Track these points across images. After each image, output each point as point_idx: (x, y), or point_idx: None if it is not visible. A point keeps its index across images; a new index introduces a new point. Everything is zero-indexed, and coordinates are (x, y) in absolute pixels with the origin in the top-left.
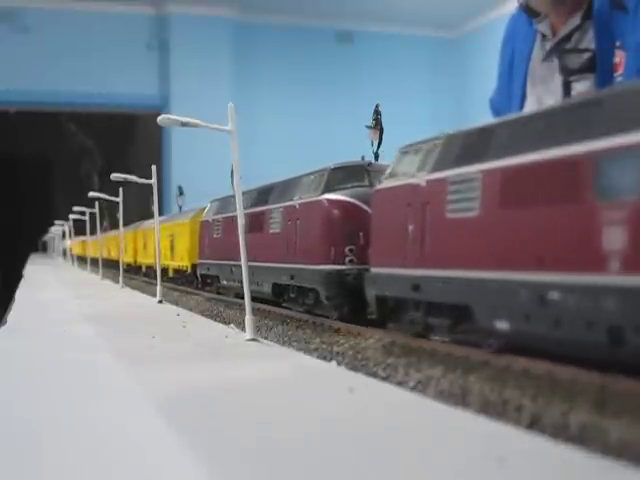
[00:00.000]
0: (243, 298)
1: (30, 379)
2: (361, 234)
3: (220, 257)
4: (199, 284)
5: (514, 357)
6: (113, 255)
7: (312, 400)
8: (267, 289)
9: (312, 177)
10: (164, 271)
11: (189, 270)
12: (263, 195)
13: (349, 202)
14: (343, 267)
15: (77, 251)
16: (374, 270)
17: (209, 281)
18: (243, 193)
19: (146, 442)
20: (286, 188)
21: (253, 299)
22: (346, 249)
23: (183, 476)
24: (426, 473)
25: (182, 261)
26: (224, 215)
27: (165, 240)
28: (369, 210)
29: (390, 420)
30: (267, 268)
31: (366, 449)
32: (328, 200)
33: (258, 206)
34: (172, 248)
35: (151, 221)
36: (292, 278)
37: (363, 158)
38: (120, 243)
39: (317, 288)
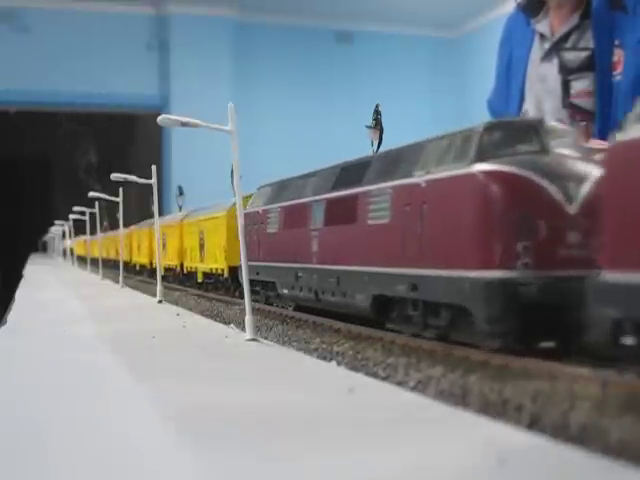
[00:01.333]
0: (315, 313)
1: (30, 379)
2: (541, 223)
3: (278, 258)
4: (236, 291)
5: (514, 357)
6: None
7: (312, 400)
8: (363, 303)
9: (447, 141)
10: (189, 275)
11: (225, 274)
12: (350, 173)
13: (520, 176)
14: (514, 274)
15: (79, 251)
16: (614, 276)
17: (257, 288)
18: (300, 177)
19: (145, 442)
20: (395, 161)
21: (326, 314)
22: (518, 246)
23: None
24: (426, 473)
25: (216, 263)
26: (284, 204)
27: (191, 238)
28: (549, 188)
29: (390, 420)
30: (362, 274)
31: (366, 449)
32: (485, 173)
33: (339, 189)
34: (202, 247)
35: (172, 216)
36: (414, 289)
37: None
38: (120, 243)
39: (466, 305)
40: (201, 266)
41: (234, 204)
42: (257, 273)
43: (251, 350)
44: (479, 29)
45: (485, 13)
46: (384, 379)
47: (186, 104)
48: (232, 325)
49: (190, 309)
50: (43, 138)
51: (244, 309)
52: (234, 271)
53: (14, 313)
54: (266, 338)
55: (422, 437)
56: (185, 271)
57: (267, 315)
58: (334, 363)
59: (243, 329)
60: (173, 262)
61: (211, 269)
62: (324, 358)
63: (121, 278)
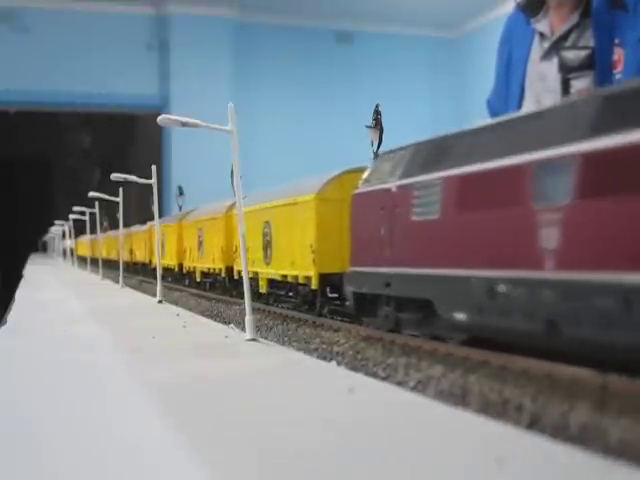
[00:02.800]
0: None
1: (30, 379)
2: None
3: (441, 261)
4: (323, 308)
5: (513, 357)
6: (138, 257)
7: (312, 400)
8: (537, 327)
9: None
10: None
11: (314, 286)
12: (503, 135)
13: None
14: None
15: (82, 251)
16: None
17: (386, 308)
18: (479, 129)
19: (145, 442)
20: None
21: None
22: None
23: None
24: (426, 473)
25: (297, 268)
26: (455, 172)
27: (254, 233)
28: None
29: (390, 420)
30: (543, 284)
31: (366, 449)
32: None
33: (486, 159)
34: (266, 246)
35: (214, 206)
36: None
37: None
38: (120, 242)
39: None
40: (267, 272)
41: (332, 179)
42: (387, 284)
43: (251, 350)
44: (479, 29)
45: (485, 13)
46: (384, 379)
47: (186, 104)
48: (232, 325)
49: (190, 309)
50: (43, 138)
51: (244, 309)
52: (325, 279)
53: (14, 313)
54: (266, 338)
55: (422, 437)
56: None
57: (267, 315)
58: (334, 363)
59: (243, 329)
60: (214, 265)
61: (295, 277)
62: (324, 358)
63: (121, 278)
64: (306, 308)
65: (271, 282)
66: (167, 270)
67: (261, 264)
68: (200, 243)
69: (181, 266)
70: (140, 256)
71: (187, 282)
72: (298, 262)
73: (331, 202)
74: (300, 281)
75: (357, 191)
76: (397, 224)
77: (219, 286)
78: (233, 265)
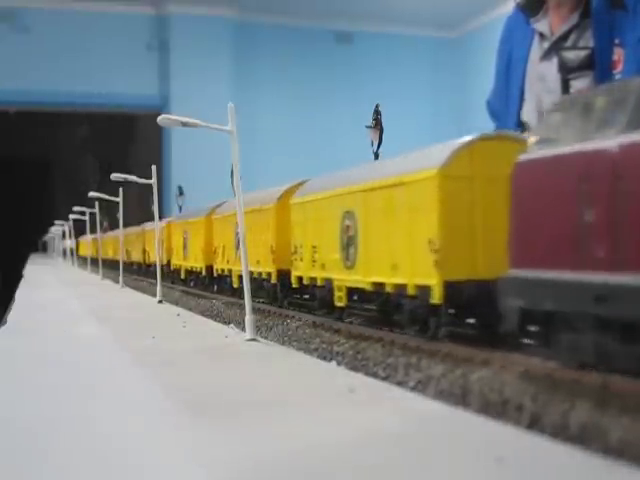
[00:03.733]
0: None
1: (30, 379)
2: None
3: None
4: (440, 331)
5: (514, 357)
6: (152, 257)
7: (312, 400)
8: None
9: None
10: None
11: (437, 299)
12: None
13: None
14: None
15: (84, 252)
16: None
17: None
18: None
19: (147, 441)
20: None
21: None
22: None
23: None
24: (426, 473)
25: (403, 274)
26: None
27: (325, 227)
28: None
29: (390, 420)
30: None
31: (366, 449)
32: None
33: None
34: (347, 244)
35: (260, 194)
36: None
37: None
38: (120, 242)
39: None
40: (392, 281)
41: (458, 151)
42: (599, 299)
43: (251, 350)
44: (481, 28)
45: (486, 13)
46: (384, 379)
47: (186, 104)
48: (232, 325)
49: (190, 309)
50: (43, 138)
51: (244, 309)
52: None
53: (14, 313)
54: (266, 338)
55: (422, 437)
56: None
57: (267, 315)
58: (334, 363)
59: (243, 329)
60: (259, 268)
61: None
62: (324, 358)
63: (121, 278)
64: (416, 330)
65: (352, 292)
66: (191, 273)
67: (338, 268)
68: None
69: (209, 269)
70: (154, 257)
71: (215, 288)
72: (404, 266)
73: (459, 180)
74: (409, 292)
75: (526, 157)
76: (623, 205)
77: (268, 295)
78: (290, 269)
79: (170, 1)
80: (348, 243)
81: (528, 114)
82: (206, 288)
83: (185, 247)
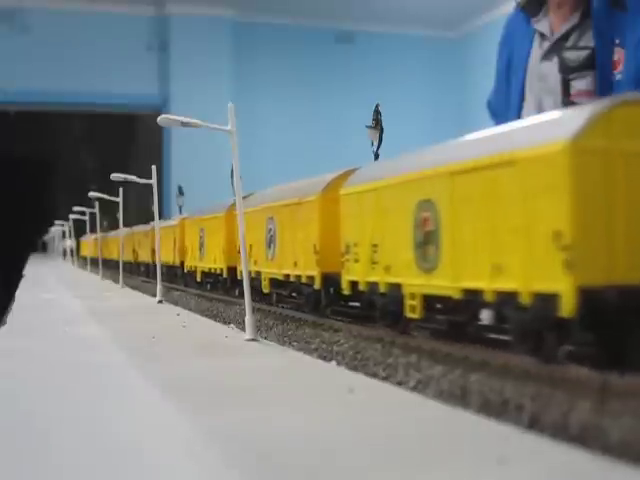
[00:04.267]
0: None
1: (30, 378)
2: None
3: None
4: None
5: (513, 357)
6: (163, 257)
7: (311, 400)
8: None
9: None
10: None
11: (570, 311)
12: None
13: None
14: None
15: (87, 252)
16: None
17: None
18: None
19: (149, 440)
20: None
21: None
22: None
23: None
24: (426, 473)
25: (533, 279)
26: None
27: (397, 222)
28: None
29: (390, 420)
30: None
31: (366, 449)
32: None
33: None
34: (431, 242)
35: (299, 184)
36: None
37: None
38: (120, 242)
39: None
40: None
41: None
42: None
43: (250, 350)
44: (483, 28)
45: (488, 12)
46: (384, 379)
47: (186, 104)
48: (232, 325)
49: (190, 309)
50: (43, 138)
51: (244, 309)
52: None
53: (14, 313)
54: (266, 338)
55: (422, 437)
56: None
57: (267, 315)
58: (334, 363)
59: (243, 329)
60: (297, 270)
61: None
62: (324, 358)
63: (121, 278)
64: (528, 350)
65: (429, 300)
66: (208, 275)
67: (410, 271)
68: (271, 239)
69: (232, 270)
70: (168, 257)
71: (237, 292)
72: (514, 267)
73: (597, 156)
74: (522, 302)
75: None
76: None
77: (307, 303)
78: (337, 272)
79: (170, 1)
80: (425, 240)
81: (528, 114)
82: (227, 292)
83: (271, 244)
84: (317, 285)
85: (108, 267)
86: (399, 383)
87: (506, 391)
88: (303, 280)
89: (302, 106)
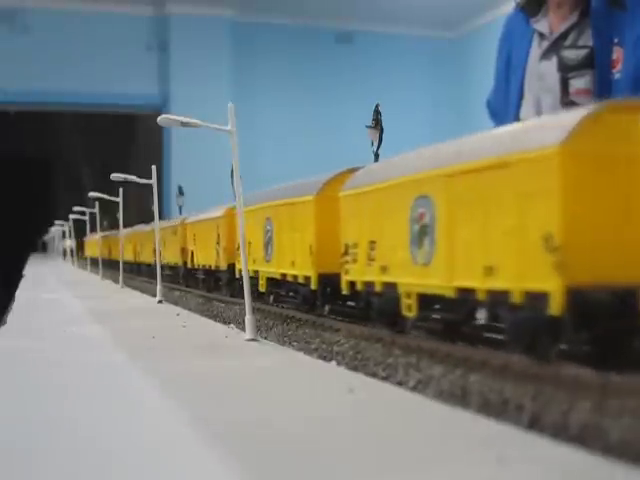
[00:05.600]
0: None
1: (30, 378)
2: None
3: None
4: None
5: (513, 357)
6: (201, 260)
7: (311, 400)
8: None
9: None
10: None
11: (559, 310)
12: None
13: None
14: None
15: (92, 252)
16: None
17: None
18: None
19: (151, 439)
20: None
21: None
22: None
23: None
24: (426, 473)
25: (524, 279)
26: None
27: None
28: None
29: (390, 420)
30: None
31: (366, 449)
32: None
33: None
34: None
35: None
36: None
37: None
38: (120, 242)
39: None
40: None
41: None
42: None
43: (250, 350)
44: (482, 28)
45: (488, 12)
46: (384, 379)
47: (186, 104)
48: (232, 325)
49: (190, 309)
50: (43, 138)
51: (244, 309)
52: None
53: (14, 313)
54: (266, 338)
55: (422, 437)
56: None
57: (267, 315)
58: (334, 363)
59: (243, 329)
60: (299, 271)
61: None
62: (324, 358)
63: (121, 278)
64: (522, 349)
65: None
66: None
67: (405, 269)
68: (269, 238)
69: (231, 268)
70: (205, 258)
71: (271, 299)
72: (506, 267)
73: (587, 160)
74: (513, 301)
75: None
76: None
77: (304, 302)
78: (334, 272)
79: (170, 1)
80: (420, 237)
81: (527, 113)
82: (228, 292)
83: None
84: (313, 286)
85: (108, 267)
86: (399, 383)
87: (506, 391)
88: (300, 280)
89: (302, 106)
